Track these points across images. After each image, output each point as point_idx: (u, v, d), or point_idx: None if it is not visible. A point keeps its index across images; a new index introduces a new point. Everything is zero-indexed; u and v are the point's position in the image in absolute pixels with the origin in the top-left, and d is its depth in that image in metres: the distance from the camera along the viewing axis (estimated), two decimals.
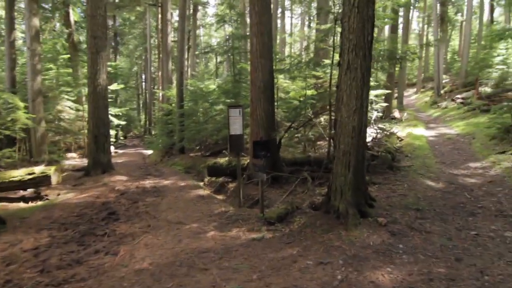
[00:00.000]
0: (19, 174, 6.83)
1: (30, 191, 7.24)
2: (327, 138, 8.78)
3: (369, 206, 4.52)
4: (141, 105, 38.31)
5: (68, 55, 17.23)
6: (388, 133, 10.00)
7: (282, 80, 9.07)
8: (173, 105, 15.31)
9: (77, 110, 17.53)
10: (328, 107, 6.89)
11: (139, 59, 35.74)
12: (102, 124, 9.08)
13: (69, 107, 17.87)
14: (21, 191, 7.27)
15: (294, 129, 7.12)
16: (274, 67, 6.84)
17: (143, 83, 37.51)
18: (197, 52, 23.56)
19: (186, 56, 25.98)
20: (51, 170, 6.99)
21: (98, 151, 9.03)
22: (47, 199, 6.95)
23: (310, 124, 7.99)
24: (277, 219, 4.56)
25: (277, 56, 8.88)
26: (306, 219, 4.54)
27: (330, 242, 3.76)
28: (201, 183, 8.64)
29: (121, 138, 30.20)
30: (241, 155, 6.26)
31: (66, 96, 17.71)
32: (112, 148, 20.88)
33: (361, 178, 4.47)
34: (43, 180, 6.91)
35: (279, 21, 28.01)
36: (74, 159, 15.41)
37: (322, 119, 9.69)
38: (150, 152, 18.48)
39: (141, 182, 8.32)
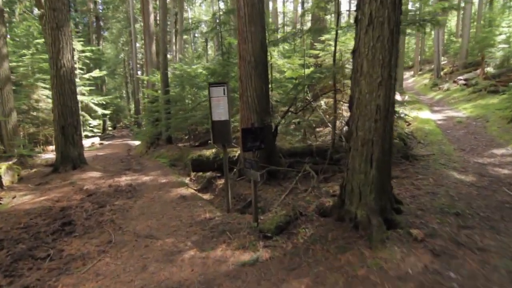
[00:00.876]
0: None
1: None
2: (329, 124, 7.60)
3: (396, 212, 3.40)
4: (130, 93, 36.57)
5: (43, 40, 15.54)
6: (395, 117, 8.87)
7: (276, 58, 7.77)
8: (159, 91, 13.91)
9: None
10: (333, 84, 5.67)
11: (126, 45, 33.73)
12: (70, 113, 7.74)
13: (46, 96, 16.34)
14: None
15: (293, 113, 5.92)
16: (267, 38, 5.53)
17: (132, 71, 35.65)
18: (184, 34, 21.90)
19: (174, 40, 24.27)
20: (1, 169, 5.71)
21: (67, 144, 7.73)
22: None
23: (311, 108, 6.78)
24: (276, 230, 3.43)
25: (271, 28, 7.53)
26: (314, 230, 3.41)
27: (351, 268, 2.64)
28: (187, 179, 7.46)
29: (109, 128, 28.69)
30: (229, 146, 5.06)
31: (43, 84, 16.15)
32: (97, 140, 19.56)
33: (387, 176, 3.32)
34: None
35: None
36: (53, 152, 14.03)
37: (322, 102, 8.49)
38: (137, 143, 17.16)
39: (116, 179, 7.09)
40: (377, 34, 2.97)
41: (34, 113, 15.66)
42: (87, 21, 27.56)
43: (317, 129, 8.32)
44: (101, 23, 29.00)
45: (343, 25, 5.86)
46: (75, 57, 18.40)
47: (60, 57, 7.52)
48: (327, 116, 8.34)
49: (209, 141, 11.44)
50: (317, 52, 8.39)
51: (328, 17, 14.28)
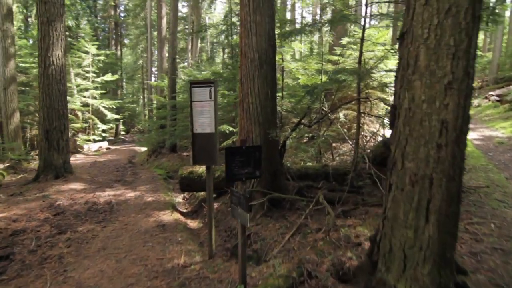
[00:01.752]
0: None
1: None
2: (349, 142, 6.32)
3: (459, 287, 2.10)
4: (146, 99, 36.44)
5: None
6: None
7: (289, 61, 6.61)
8: (166, 97, 13.08)
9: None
10: (357, 92, 4.44)
11: (144, 52, 33.70)
12: (57, 116, 6.85)
13: None
14: None
15: (305, 126, 4.70)
16: (276, 30, 4.39)
17: (147, 77, 35.58)
18: (200, 41, 21.32)
19: (190, 47, 23.71)
20: None
21: (51, 150, 6.80)
22: None
23: (328, 121, 5.54)
24: None
25: (282, 19, 6.35)
26: None
27: None
28: (180, 197, 6.33)
29: (122, 133, 28.31)
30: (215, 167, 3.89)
31: None
32: (105, 144, 18.90)
33: (452, 237, 2.03)
34: None
35: None
36: None
37: (341, 114, 7.23)
38: (144, 149, 16.33)
39: (97, 193, 6.06)
40: (446, 5, 1.76)
41: None
42: (107, 27, 27.59)
43: (334, 146, 7.04)
44: (122, 31, 29.04)
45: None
46: (88, 61, 18.05)
47: (49, 54, 6.68)
48: (346, 131, 7.07)
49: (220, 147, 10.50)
50: (336, 58, 7.21)
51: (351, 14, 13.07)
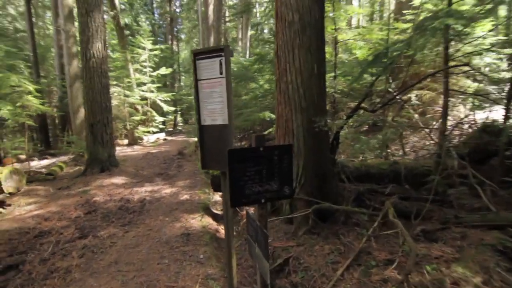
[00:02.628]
0: None
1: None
2: (427, 131, 4.80)
3: None
4: None
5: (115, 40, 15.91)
6: None
7: (344, 29, 5.26)
8: None
9: (126, 96, 16.31)
10: (444, 60, 3.04)
11: (199, 45, 34.31)
12: (99, 110, 6.71)
13: (117, 93, 16.79)
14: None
15: (366, 111, 3.46)
16: None
17: None
18: (251, 28, 20.52)
19: (240, 35, 23.07)
20: (2, 174, 4.79)
21: (96, 143, 6.73)
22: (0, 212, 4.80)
23: (398, 104, 4.16)
24: None
25: None
26: None
27: None
28: (217, 195, 5.64)
29: (180, 124, 29.45)
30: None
31: (115, 82, 16.63)
32: (162, 135, 19.58)
33: None
34: None
35: None
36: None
37: (413, 96, 5.67)
38: (196, 139, 16.40)
39: (135, 189, 5.72)
40: None
41: None
42: (164, 23, 28.56)
43: (405, 137, 5.54)
44: (177, 26, 29.83)
45: None
46: (145, 56, 18.69)
47: (89, 46, 6.50)
48: (417, 116, 5.48)
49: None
50: (405, 26, 5.60)
51: None
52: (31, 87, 8.40)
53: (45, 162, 10.62)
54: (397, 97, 4.74)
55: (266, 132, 8.05)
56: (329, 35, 5.61)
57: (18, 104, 8.26)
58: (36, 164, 10.48)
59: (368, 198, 3.47)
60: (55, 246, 3.42)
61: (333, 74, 5.21)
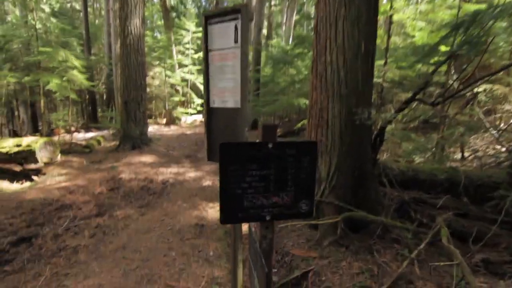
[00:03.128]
0: (8, 145, 5.03)
1: (38, 165, 5.48)
2: (494, 133, 3.93)
3: None
4: None
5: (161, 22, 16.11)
6: None
7: (401, 8, 4.43)
8: (251, 71, 12.22)
9: (167, 76, 16.62)
10: None
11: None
12: (134, 87, 6.69)
13: (159, 72, 17.17)
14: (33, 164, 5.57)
15: (425, 104, 2.78)
16: None
17: None
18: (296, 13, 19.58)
19: (285, 20, 22.11)
20: (37, 144, 4.93)
21: (129, 121, 6.76)
22: (33, 180, 5.00)
23: (464, 98, 3.38)
24: None
25: None
26: None
27: None
28: None
29: None
30: None
31: (157, 62, 16.99)
32: (199, 117, 19.91)
33: None
34: (29, 156, 4.94)
35: None
36: (152, 126, 14.52)
37: (480, 90, 4.70)
38: None
39: (161, 169, 5.64)
40: None
41: (148, 89, 16.62)
42: (210, 6, 28.41)
43: (466, 140, 4.65)
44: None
45: None
46: (188, 38, 18.76)
47: (127, 23, 6.42)
48: (484, 116, 4.53)
49: (295, 129, 9.10)
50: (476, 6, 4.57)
51: None
52: (77, 62, 8.70)
53: (89, 135, 11.19)
54: (464, 90, 3.89)
55: (299, 125, 7.50)
56: (381, 17, 4.79)
57: (64, 78, 8.63)
58: (82, 136, 11.09)
59: (414, 210, 2.86)
60: (71, 221, 3.37)
61: (383, 61, 4.46)
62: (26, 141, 5.01)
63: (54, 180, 4.92)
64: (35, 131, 12.31)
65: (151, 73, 17.33)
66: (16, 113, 15.74)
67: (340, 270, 2.27)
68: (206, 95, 1.68)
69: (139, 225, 3.33)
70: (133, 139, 6.79)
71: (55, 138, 9.76)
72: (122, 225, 3.31)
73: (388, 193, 3.10)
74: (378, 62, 4.57)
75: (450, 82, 4.26)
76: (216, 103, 1.66)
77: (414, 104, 3.39)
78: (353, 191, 2.63)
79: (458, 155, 4.11)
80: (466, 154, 4.14)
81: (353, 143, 2.53)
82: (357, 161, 2.60)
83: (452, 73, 4.82)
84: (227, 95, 1.59)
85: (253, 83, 11.15)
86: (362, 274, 2.20)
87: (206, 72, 1.66)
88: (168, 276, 2.38)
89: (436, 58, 2.75)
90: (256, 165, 0.98)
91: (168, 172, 5.52)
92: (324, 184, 2.63)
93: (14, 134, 12.60)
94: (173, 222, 3.40)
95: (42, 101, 10.95)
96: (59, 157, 5.62)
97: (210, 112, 1.68)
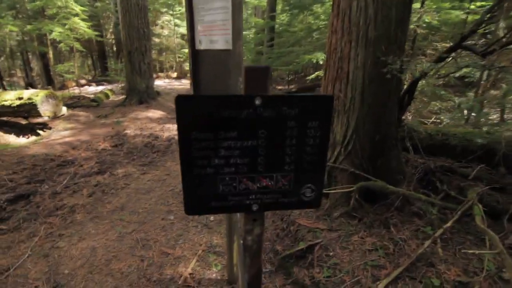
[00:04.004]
0: (10, 97, 4.86)
1: (44, 119, 5.37)
2: None
3: None
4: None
5: None
6: None
7: None
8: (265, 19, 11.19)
9: (176, 26, 15.63)
10: None
11: None
12: (137, 36, 6.18)
13: (168, 21, 16.16)
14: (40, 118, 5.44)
15: (473, 53, 2.24)
16: None
17: None
18: None
19: None
20: (37, 97, 4.72)
21: (134, 73, 6.39)
22: (39, 134, 4.91)
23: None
24: None
25: None
26: None
27: None
28: None
29: None
30: None
31: (165, 9, 15.87)
32: None
33: None
34: (32, 110, 4.77)
35: None
36: (163, 80, 14.14)
37: None
38: None
39: (167, 126, 5.41)
40: None
41: (157, 40, 15.84)
42: None
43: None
44: None
45: None
46: None
47: None
48: None
49: (317, 88, 8.50)
50: None
51: None
52: (77, 9, 8.12)
53: (99, 88, 10.99)
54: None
55: (313, 76, 6.89)
56: None
57: (66, 26, 8.15)
58: (93, 90, 10.91)
59: (441, 180, 2.50)
60: (71, 179, 3.25)
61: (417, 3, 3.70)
62: (27, 93, 4.81)
63: (59, 134, 4.81)
64: (49, 84, 12.22)
65: (159, 22, 16.37)
66: (31, 65, 15.63)
67: (351, 245, 2.02)
68: (190, 33, 1.28)
69: (140, 185, 3.18)
70: (140, 93, 6.49)
71: (66, 91, 9.63)
72: (122, 184, 3.17)
73: (411, 159, 2.73)
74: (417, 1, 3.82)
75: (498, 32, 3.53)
76: (203, 43, 1.26)
77: (457, 53, 2.81)
78: (371, 157, 2.27)
79: (495, 117, 3.58)
80: (506, 117, 3.60)
81: (377, 101, 2.10)
82: (379, 123, 2.20)
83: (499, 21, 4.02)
84: (216, 32, 1.19)
85: (266, 32, 10.26)
86: (375, 251, 1.95)
87: (189, 2, 1.24)
88: (164, 242, 2.23)
89: None
90: (237, 132, 0.64)
91: (174, 129, 5.28)
92: (339, 149, 2.28)
93: (31, 86, 12.59)
94: (175, 182, 3.22)
95: (51, 52, 10.63)
96: (65, 111, 5.46)
97: (195, 57, 1.30)
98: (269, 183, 0.71)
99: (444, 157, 2.77)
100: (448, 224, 1.95)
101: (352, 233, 2.11)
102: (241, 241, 0.79)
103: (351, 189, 2.18)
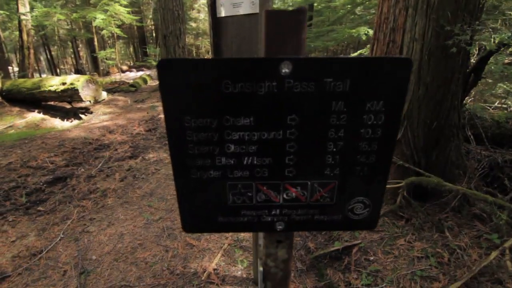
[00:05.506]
0: (55, 83, 5.09)
1: (86, 104, 5.61)
2: None
3: None
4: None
5: None
6: None
7: None
8: None
9: None
10: None
11: None
12: (172, 19, 6.09)
13: (203, 4, 16.05)
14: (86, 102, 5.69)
15: None
16: None
17: None
18: None
19: None
20: (79, 82, 4.88)
21: (169, 57, 6.35)
22: (81, 118, 5.13)
23: None
24: None
25: None
26: None
27: None
28: None
29: None
30: None
31: None
32: None
33: None
34: (74, 95, 4.97)
35: None
36: None
37: None
38: None
39: None
40: None
41: (193, 24, 15.85)
42: None
43: None
44: None
45: None
46: None
47: None
48: None
49: None
50: None
51: None
52: None
53: (139, 73, 11.33)
54: None
55: (356, 54, 6.29)
56: None
57: (107, 13, 8.35)
58: (134, 75, 11.29)
59: (510, 177, 2.07)
60: (105, 162, 3.29)
61: None
62: (70, 79, 4.99)
63: (98, 118, 4.96)
64: (95, 70, 12.90)
65: (196, 6, 16.29)
66: (81, 53, 16.63)
67: (396, 250, 1.74)
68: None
69: (170, 170, 3.12)
70: None
71: (109, 77, 10.06)
72: (153, 169, 3.14)
73: (473, 151, 2.29)
74: None
75: None
76: (224, 10, 1.03)
77: None
78: (425, 148, 1.92)
79: None
80: None
81: (437, 80, 1.72)
82: (438, 107, 1.82)
83: None
84: None
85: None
86: (425, 259, 1.65)
87: None
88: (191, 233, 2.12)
89: None
90: (253, 118, 0.42)
91: None
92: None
93: (80, 73, 13.39)
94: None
95: (95, 39, 11.09)
96: (105, 96, 5.63)
97: (216, 27, 1.08)
98: (301, 194, 0.48)
99: None
100: None
101: (397, 235, 1.82)
102: (260, 267, 0.58)
103: (399, 184, 1.86)
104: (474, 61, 2.06)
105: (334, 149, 0.45)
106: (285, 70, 0.39)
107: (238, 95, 0.40)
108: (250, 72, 0.39)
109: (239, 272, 1.76)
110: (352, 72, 0.39)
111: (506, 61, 4.54)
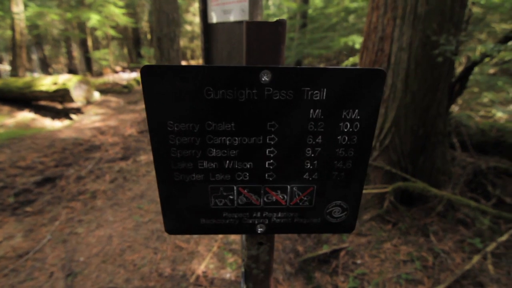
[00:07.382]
0: (46, 83, 5.03)
1: (78, 104, 5.54)
2: None
3: None
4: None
5: None
6: None
7: None
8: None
9: None
10: None
11: None
12: (166, 22, 6.09)
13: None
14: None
15: None
16: None
17: None
18: None
19: None
20: (70, 82, 4.83)
21: (162, 60, 6.35)
22: (72, 119, 5.06)
23: None
24: None
25: None
26: None
27: None
28: None
29: None
30: None
31: None
32: None
33: None
34: (66, 95, 4.91)
35: None
36: None
37: None
38: None
39: None
40: None
41: (189, 27, 15.87)
42: None
43: None
44: None
45: None
46: None
47: None
48: None
49: None
50: None
51: None
52: None
53: (133, 74, 11.26)
54: None
55: (347, 62, 6.40)
56: None
57: (102, 14, 8.31)
58: (127, 76, 11.21)
59: (493, 183, 2.12)
60: (96, 164, 3.26)
61: None
62: (62, 79, 4.94)
63: (90, 119, 4.91)
64: (89, 70, 12.76)
65: (191, 9, 16.33)
66: (74, 53, 16.44)
67: (382, 253, 1.76)
68: (201, 5, 1.07)
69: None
70: None
71: (102, 77, 9.97)
72: (143, 171, 3.12)
73: (458, 158, 2.35)
74: None
75: None
76: (215, 17, 1.05)
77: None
78: (412, 154, 1.96)
79: None
80: None
81: (423, 88, 1.77)
82: (424, 115, 1.86)
83: None
84: (230, 3, 0.97)
85: (299, 18, 9.78)
86: (411, 263, 1.68)
87: None
88: (179, 236, 2.11)
89: None
90: (234, 124, 0.43)
91: None
92: (374, 143, 1.99)
93: (72, 73, 13.22)
94: None
95: (89, 40, 11.00)
96: (98, 97, 5.58)
97: (207, 32, 1.09)
98: (281, 197, 0.50)
99: (498, 157, 2.36)
100: (503, 238, 1.63)
101: (384, 239, 1.85)
102: (242, 268, 0.60)
103: (386, 189, 1.89)
104: (459, 71, 2.12)
105: (312, 155, 0.47)
106: (264, 78, 0.41)
107: (220, 102, 0.42)
108: (231, 80, 0.41)
109: (228, 275, 1.76)
110: (328, 82, 0.42)
111: (492, 71, 4.68)
